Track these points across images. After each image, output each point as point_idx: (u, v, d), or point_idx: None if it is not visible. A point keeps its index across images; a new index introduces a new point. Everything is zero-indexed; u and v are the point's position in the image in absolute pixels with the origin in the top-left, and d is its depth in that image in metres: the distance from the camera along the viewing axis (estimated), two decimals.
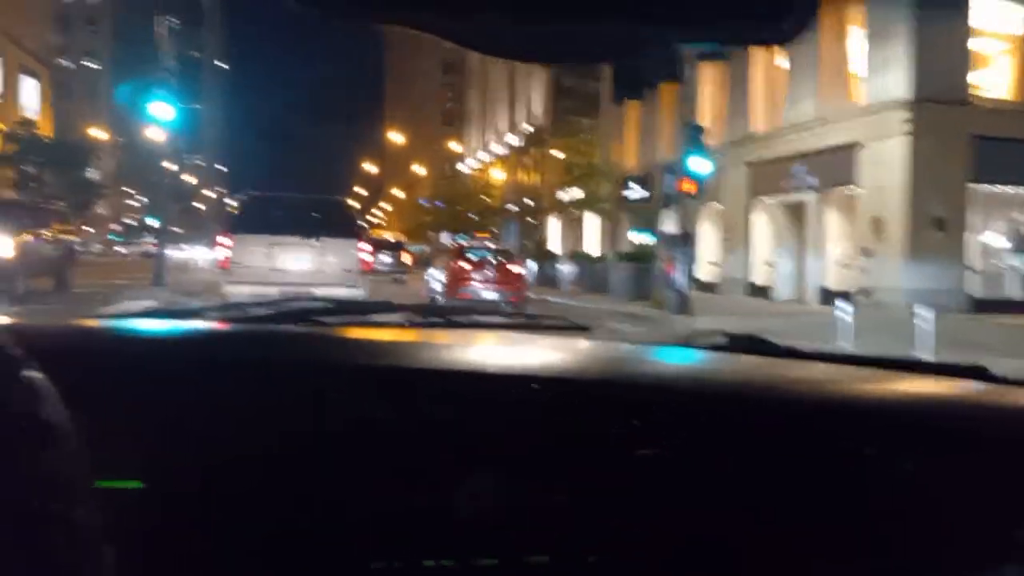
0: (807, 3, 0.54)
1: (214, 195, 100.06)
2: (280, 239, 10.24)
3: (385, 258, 28.16)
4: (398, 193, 79.87)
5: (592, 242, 33.05)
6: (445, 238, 52.65)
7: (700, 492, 0.88)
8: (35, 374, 0.56)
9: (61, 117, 59.65)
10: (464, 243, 19.64)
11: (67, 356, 0.80)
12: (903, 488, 0.87)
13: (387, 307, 1.47)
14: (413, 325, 1.37)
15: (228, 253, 10.25)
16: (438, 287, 15.43)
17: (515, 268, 15.49)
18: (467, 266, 14.88)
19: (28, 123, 43.73)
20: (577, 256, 27.00)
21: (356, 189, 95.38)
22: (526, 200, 42.88)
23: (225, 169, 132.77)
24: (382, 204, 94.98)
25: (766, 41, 0.62)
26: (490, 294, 14.17)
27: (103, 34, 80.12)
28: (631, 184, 27.47)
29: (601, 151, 29.46)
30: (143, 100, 12.51)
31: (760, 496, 0.87)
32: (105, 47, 79.75)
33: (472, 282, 14.50)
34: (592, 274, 24.09)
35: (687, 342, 1.36)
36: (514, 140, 49.59)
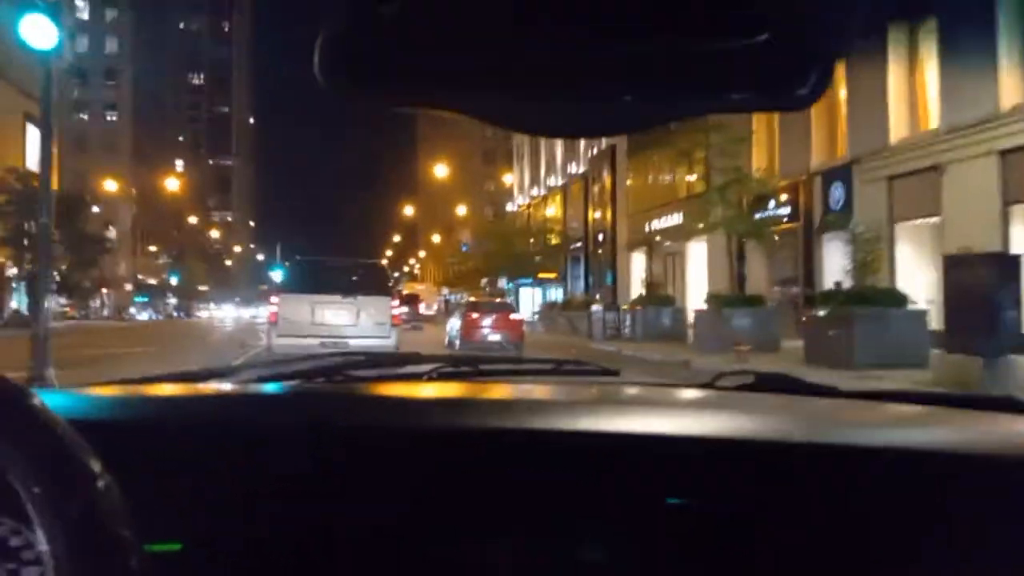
0: (824, 72, 0.54)
1: (242, 251, 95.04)
2: (321, 297, 11.73)
3: (404, 309, 29.64)
4: (435, 239, 73.80)
5: (698, 281, 26.28)
6: (503, 284, 46.21)
7: (738, 543, 0.87)
8: (81, 443, 0.59)
9: (76, 171, 55.27)
10: (474, 299, 24.68)
11: (100, 422, 0.83)
12: (935, 525, 0.87)
13: (416, 359, 1.50)
14: (442, 376, 1.38)
15: (276, 309, 11.84)
16: (454, 332, 19.68)
17: (514, 316, 20.11)
18: (476, 315, 19.37)
19: (23, 173, 38.13)
20: (714, 299, 19.95)
21: (390, 237, 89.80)
22: (597, 235, 36.74)
23: (252, 224, 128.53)
24: (419, 252, 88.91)
25: (781, 109, 0.60)
26: (495, 337, 18.58)
27: (122, 88, 75.92)
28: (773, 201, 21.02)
29: (718, 162, 22.64)
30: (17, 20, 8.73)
31: (805, 543, 0.87)
32: (124, 102, 75.47)
33: (481, 328, 18.85)
34: (728, 322, 17.10)
35: (714, 383, 1.37)
36: (575, 168, 43.20)
